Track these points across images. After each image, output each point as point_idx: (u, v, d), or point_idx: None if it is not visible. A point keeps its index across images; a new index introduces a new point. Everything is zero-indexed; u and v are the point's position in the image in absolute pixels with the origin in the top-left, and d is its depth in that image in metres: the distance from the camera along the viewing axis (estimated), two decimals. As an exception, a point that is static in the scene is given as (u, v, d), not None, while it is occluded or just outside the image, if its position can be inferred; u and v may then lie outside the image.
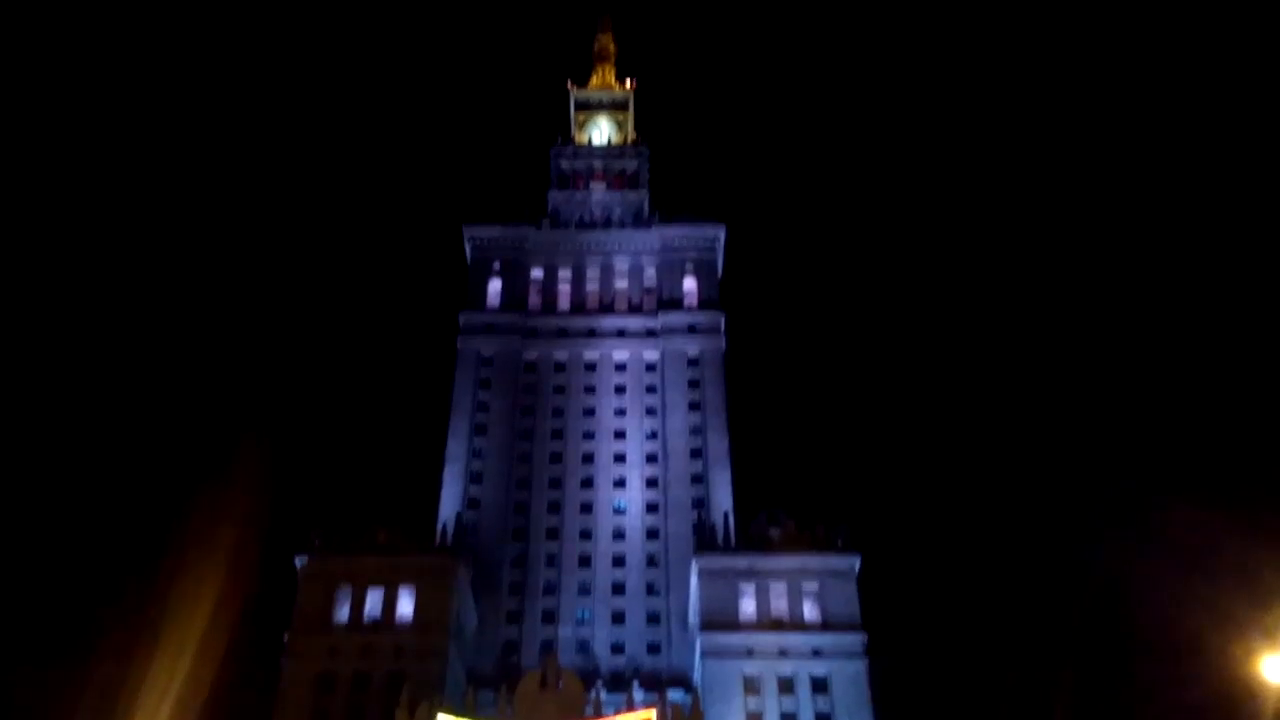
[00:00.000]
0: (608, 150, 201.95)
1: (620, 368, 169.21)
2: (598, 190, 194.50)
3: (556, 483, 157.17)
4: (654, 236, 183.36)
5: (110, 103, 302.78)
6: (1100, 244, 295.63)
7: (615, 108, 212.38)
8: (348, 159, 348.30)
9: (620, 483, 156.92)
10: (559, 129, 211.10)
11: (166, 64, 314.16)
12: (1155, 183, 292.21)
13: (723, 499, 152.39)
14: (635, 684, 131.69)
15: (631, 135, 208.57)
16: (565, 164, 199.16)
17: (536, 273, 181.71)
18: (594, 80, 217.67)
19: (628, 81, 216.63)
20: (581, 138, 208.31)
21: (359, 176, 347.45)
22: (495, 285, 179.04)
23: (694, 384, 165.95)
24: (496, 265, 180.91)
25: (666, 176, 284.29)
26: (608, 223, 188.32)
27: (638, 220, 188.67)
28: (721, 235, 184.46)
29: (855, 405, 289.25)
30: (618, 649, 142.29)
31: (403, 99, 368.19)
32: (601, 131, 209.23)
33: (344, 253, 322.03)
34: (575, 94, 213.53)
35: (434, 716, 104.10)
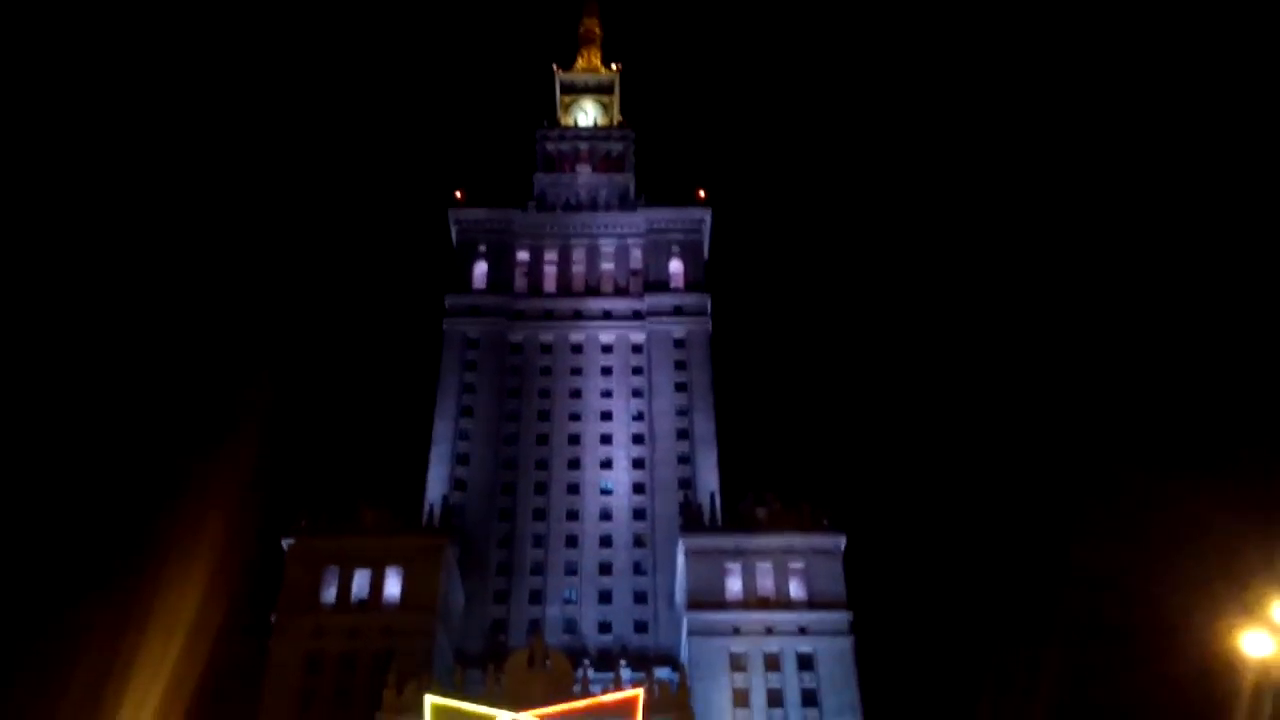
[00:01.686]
0: (593, 133, 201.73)
1: (606, 349, 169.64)
2: (583, 173, 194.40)
3: (543, 464, 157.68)
4: (640, 219, 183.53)
5: (93, 81, 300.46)
6: (1083, 223, 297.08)
7: (601, 90, 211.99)
8: (333, 142, 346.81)
9: (607, 464, 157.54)
10: (544, 112, 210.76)
11: (148, 43, 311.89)
12: (1129, 160, 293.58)
13: (709, 480, 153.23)
14: (623, 662, 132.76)
15: (617, 118, 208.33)
16: (551, 147, 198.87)
17: (522, 255, 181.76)
18: (579, 63, 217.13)
19: (613, 64, 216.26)
20: (567, 120, 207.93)
21: (344, 159, 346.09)
22: (481, 268, 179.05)
23: (680, 365, 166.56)
24: (482, 248, 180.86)
25: (652, 159, 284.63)
26: (593, 205, 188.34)
27: (624, 203, 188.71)
28: (707, 218, 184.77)
29: (841, 386, 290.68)
30: (605, 628, 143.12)
31: (387, 82, 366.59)
32: (587, 114, 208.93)
33: (330, 236, 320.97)
34: (561, 77, 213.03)
35: (422, 695, 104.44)
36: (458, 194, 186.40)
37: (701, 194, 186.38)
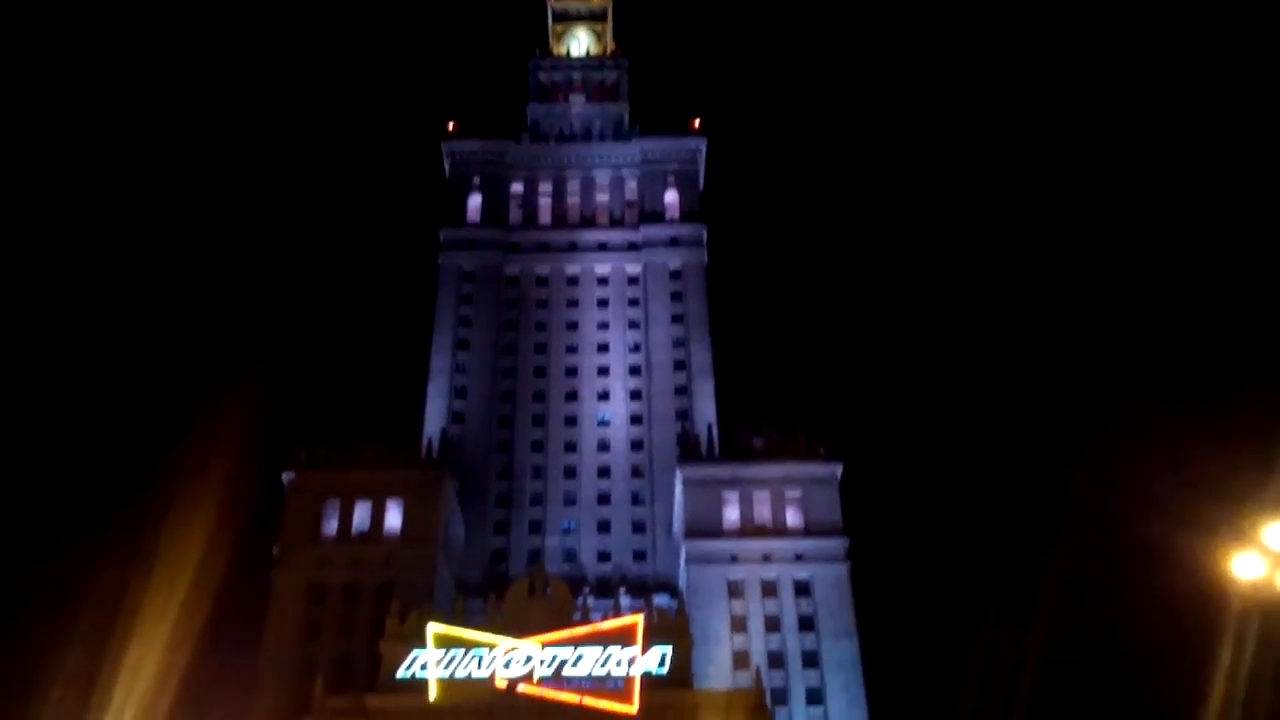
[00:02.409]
0: (587, 62, 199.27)
1: (602, 281, 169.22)
2: (577, 103, 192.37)
3: (540, 396, 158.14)
4: (635, 149, 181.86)
5: (85, 35, 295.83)
6: (1083, 155, 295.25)
7: (594, 19, 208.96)
8: (323, 73, 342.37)
9: (604, 395, 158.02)
10: (537, 41, 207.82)
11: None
12: (1129, 94, 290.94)
13: (706, 410, 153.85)
14: (622, 590, 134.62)
15: (611, 46, 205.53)
16: (544, 76, 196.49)
17: (517, 187, 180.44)
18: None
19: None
20: (560, 49, 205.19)
21: (335, 91, 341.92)
22: (475, 200, 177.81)
23: (676, 297, 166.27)
24: (476, 180, 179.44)
25: (647, 89, 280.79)
26: (588, 136, 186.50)
27: (618, 133, 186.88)
28: (703, 147, 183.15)
29: (837, 315, 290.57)
30: (604, 557, 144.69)
31: (377, 12, 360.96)
32: (580, 43, 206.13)
33: (323, 170, 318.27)
34: (553, 4, 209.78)
35: (425, 625, 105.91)
36: (450, 125, 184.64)
37: (696, 123, 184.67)
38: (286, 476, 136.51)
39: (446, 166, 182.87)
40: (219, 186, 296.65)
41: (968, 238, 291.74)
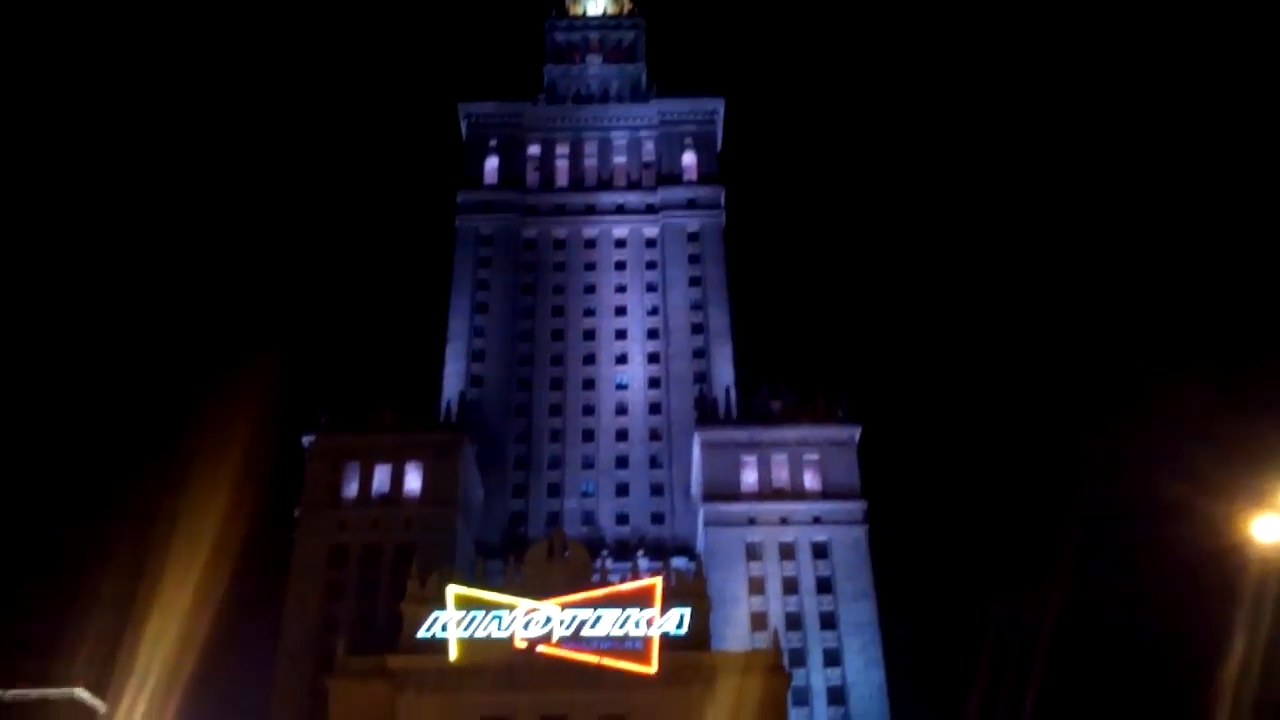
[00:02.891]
0: (603, 21, 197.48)
1: (620, 244, 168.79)
2: (594, 63, 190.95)
3: (559, 359, 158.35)
4: (652, 110, 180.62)
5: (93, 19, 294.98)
6: (1107, 123, 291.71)
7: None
8: (338, 35, 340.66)
9: (622, 359, 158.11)
10: (553, 1, 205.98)
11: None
12: (1145, 60, 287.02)
13: (724, 373, 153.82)
14: (640, 553, 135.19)
15: (628, 6, 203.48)
16: (560, 36, 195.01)
17: (534, 149, 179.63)
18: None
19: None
20: (576, 9, 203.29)
21: (350, 54, 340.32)
22: (492, 163, 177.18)
23: (694, 259, 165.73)
24: (493, 142, 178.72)
25: (664, 49, 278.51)
26: (605, 97, 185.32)
27: (635, 94, 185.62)
28: (721, 108, 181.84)
29: (856, 277, 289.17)
30: (622, 520, 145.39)
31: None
32: (597, 2, 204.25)
33: (340, 134, 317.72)
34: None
35: (445, 586, 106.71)
36: (467, 87, 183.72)
37: (714, 83, 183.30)
38: (306, 440, 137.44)
39: (463, 129, 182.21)
40: (237, 153, 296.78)
41: (990, 200, 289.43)
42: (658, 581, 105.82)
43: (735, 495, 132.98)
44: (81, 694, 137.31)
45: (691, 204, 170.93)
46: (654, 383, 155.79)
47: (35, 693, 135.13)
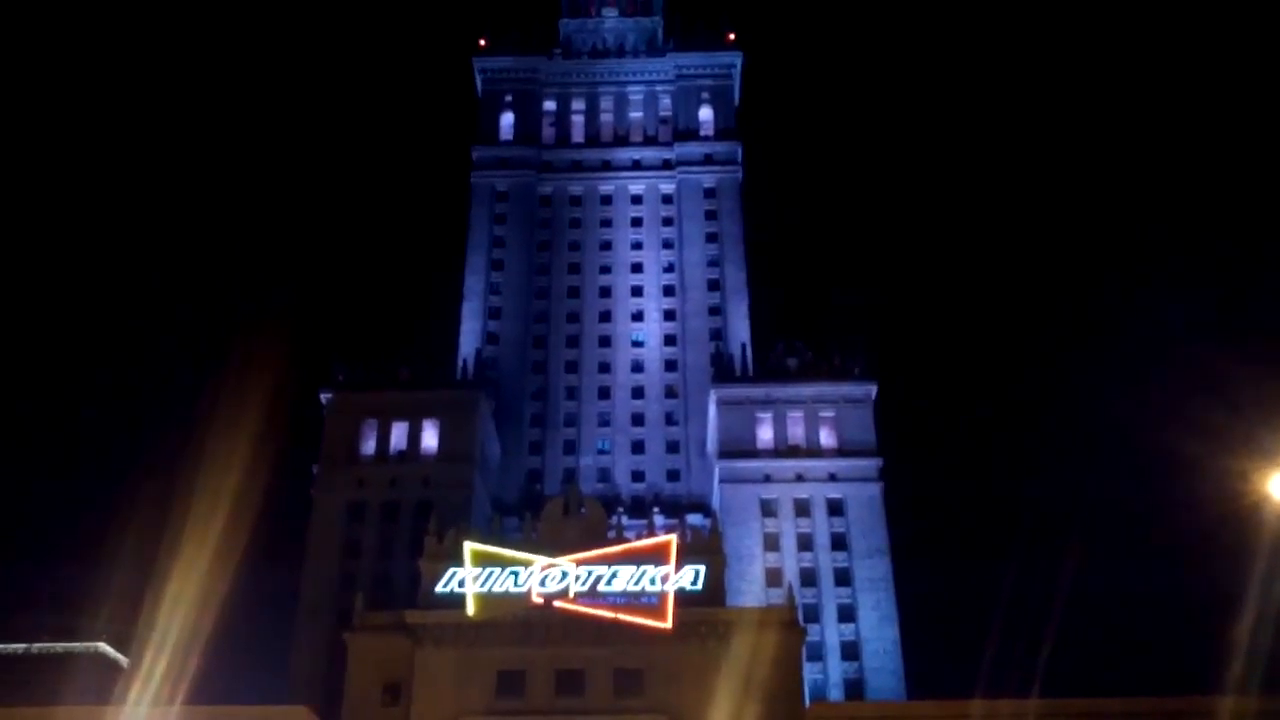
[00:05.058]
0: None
1: (636, 200, 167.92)
2: (610, 17, 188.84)
3: (575, 316, 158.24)
4: (669, 65, 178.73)
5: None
6: (1121, 63, 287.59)
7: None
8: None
9: (638, 316, 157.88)
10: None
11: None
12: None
13: (740, 330, 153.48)
14: (655, 510, 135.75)
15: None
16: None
17: (549, 105, 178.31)
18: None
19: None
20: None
21: (365, 7, 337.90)
22: (507, 118, 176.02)
23: (711, 215, 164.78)
24: (508, 98, 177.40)
25: (681, 1, 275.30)
26: (621, 51, 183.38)
27: (651, 48, 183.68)
28: (738, 62, 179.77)
29: (873, 234, 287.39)
30: (638, 477, 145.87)
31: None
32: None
33: (355, 90, 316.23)
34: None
35: (462, 542, 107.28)
36: (481, 41, 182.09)
37: (731, 37, 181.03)
38: (324, 397, 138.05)
39: (478, 84, 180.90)
40: (255, 113, 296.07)
41: (1011, 157, 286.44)
42: (673, 538, 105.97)
43: (751, 452, 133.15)
44: (105, 648, 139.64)
45: (708, 159, 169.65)
46: (670, 340, 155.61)
47: (60, 646, 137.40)
